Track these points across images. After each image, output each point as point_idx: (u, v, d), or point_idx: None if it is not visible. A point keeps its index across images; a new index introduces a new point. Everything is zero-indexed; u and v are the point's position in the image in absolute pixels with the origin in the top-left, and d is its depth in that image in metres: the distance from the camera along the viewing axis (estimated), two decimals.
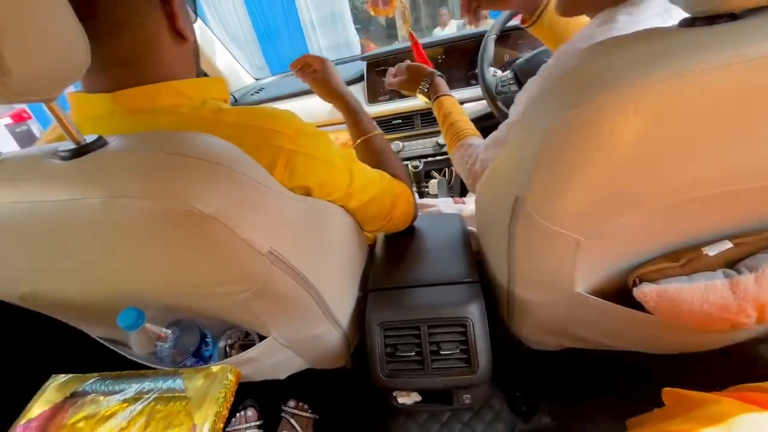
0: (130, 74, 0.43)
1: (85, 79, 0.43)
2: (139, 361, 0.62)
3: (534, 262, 0.50)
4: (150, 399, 0.46)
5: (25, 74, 0.29)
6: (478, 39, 1.31)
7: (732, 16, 0.31)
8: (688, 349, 0.61)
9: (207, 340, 0.59)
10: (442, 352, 0.57)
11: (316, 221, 0.50)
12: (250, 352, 0.57)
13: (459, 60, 1.32)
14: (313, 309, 0.52)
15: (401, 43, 1.53)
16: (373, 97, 1.36)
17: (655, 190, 0.37)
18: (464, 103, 1.25)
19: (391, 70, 0.93)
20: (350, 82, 1.38)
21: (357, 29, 4.27)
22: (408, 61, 0.92)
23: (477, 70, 1.11)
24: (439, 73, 0.87)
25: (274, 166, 0.43)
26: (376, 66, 1.36)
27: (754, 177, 0.37)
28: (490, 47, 1.08)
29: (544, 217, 0.41)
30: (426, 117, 1.31)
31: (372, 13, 0.94)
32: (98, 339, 0.63)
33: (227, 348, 0.63)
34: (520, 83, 1.01)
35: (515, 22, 1.14)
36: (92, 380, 0.49)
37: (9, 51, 0.27)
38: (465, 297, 0.60)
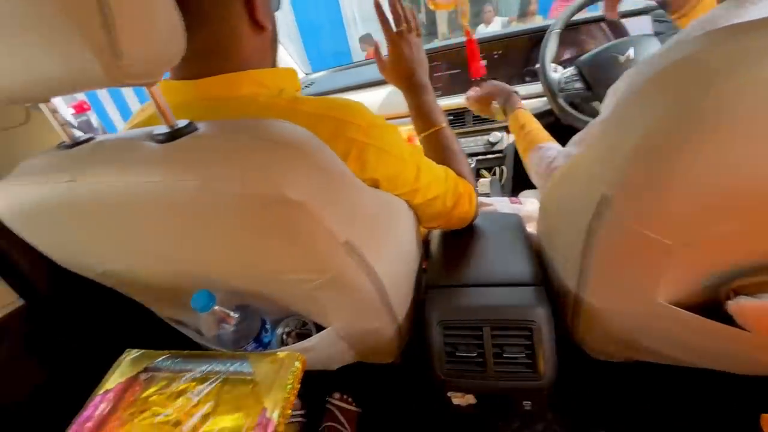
0: (214, 63, 0.44)
1: (171, 68, 0.45)
2: (201, 342, 0.64)
3: (614, 268, 0.47)
4: (218, 380, 0.46)
5: (135, 58, 0.30)
6: (532, 35, 1.27)
7: None
8: None
9: (266, 326, 0.60)
10: (505, 356, 0.55)
11: (386, 214, 0.50)
12: (309, 342, 0.57)
13: (514, 56, 1.28)
14: (375, 303, 0.51)
15: (442, 41, 1.50)
16: None
17: None
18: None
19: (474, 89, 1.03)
20: None
21: None
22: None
23: (536, 67, 1.07)
24: (515, 90, 0.94)
25: (347, 157, 0.42)
26: None
27: None
28: (553, 42, 1.04)
29: (636, 219, 0.38)
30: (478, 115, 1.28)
31: (432, 8, 0.92)
32: (165, 319, 0.65)
33: (284, 335, 0.64)
34: (585, 80, 0.97)
35: (578, 17, 1.09)
36: (163, 357, 0.51)
37: (123, 35, 0.28)
38: (531, 300, 0.57)
